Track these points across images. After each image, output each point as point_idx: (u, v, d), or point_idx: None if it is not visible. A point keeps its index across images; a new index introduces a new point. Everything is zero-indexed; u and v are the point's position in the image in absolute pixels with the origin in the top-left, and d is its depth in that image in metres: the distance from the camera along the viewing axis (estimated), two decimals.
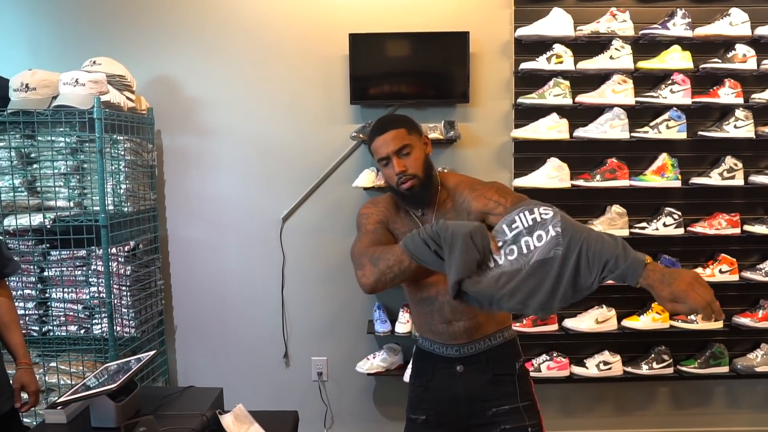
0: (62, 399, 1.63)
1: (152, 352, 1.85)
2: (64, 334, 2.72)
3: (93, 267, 2.66)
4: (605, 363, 2.99)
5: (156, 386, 2.84)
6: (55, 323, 2.72)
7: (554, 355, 2.99)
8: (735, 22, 2.86)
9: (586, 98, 2.90)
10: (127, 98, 2.72)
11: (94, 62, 2.66)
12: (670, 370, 3.01)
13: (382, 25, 2.95)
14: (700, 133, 2.93)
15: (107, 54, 2.78)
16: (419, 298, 1.76)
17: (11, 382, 1.94)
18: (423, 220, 1.74)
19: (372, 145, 1.72)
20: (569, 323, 2.96)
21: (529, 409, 1.73)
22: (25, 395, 1.93)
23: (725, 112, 2.95)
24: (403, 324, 2.91)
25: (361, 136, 2.89)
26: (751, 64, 2.87)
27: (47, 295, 2.71)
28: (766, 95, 2.89)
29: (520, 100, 2.92)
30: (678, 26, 2.86)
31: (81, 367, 2.65)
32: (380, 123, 1.75)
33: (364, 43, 2.92)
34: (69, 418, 1.69)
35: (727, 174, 2.93)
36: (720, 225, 2.95)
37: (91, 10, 3.00)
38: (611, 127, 2.88)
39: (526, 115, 2.94)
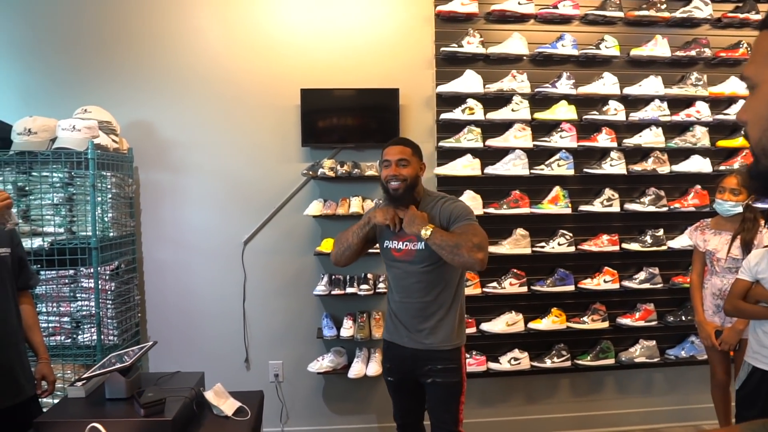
0: (84, 376, 2.08)
1: (151, 342, 2.32)
2: (53, 343, 3.11)
3: (81, 284, 3.09)
4: (515, 359, 3.55)
5: (149, 372, 3.26)
6: (44, 334, 3.10)
7: (473, 353, 3.51)
8: (607, 83, 3.56)
9: (494, 142, 3.49)
10: (113, 140, 3.18)
11: (86, 110, 3.11)
12: (568, 364, 3.59)
13: (328, 82, 3.49)
14: (585, 170, 3.57)
15: (92, 101, 3.24)
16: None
17: (34, 373, 2.31)
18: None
19: (384, 150, 2.38)
20: (484, 326, 3.52)
21: (455, 370, 2.37)
22: (44, 384, 2.32)
23: (603, 153, 3.59)
24: (347, 330, 3.42)
25: (310, 173, 3.42)
26: (621, 116, 3.55)
27: (38, 309, 3.09)
28: (633, 140, 3.57)
29: (441, 143, 3.47)
30: (564, 85, 3.53)
31: (71, 371, 3.05)
32: (397, 139, 2.48)
33: (313, 96, 3.46)
34: (87, 392, 2.13)
35: (607, 202, 3.58)
36: (603, 243, 3.58)
37: (77, 63, 3.42)
38: (514, 166, 3.47)
39: (446, 155, 3.50)
